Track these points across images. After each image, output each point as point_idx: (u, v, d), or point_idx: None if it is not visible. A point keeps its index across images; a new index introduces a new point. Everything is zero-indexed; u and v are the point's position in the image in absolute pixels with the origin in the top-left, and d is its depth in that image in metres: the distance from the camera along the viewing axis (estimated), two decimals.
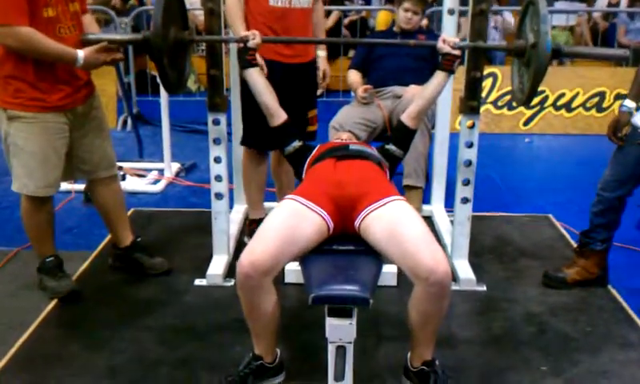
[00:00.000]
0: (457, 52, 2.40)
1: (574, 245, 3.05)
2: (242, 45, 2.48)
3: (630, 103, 2.65)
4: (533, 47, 2.26)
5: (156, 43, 2.22)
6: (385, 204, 2.06)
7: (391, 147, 2.44)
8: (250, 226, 3.27)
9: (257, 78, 2.49)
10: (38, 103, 2.53)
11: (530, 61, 2.27)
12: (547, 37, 2.15)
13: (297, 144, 2.45)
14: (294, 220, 2.04)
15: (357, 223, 2.08)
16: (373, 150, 2.44)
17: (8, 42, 2.39)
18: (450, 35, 3.26)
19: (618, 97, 5.78)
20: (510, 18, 7.30)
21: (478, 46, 2.74)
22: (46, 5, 2.44)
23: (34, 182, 2.62)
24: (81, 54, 2.46)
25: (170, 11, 2.32)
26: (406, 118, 2.45)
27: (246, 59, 2.48)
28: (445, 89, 3.31)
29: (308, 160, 2.40)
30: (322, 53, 3.25)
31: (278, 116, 2.48)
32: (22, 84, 2.49)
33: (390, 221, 2.01)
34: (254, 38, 2.47)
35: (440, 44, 2.42)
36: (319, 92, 3.28)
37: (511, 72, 2.57)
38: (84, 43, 2.52)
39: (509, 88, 5.70)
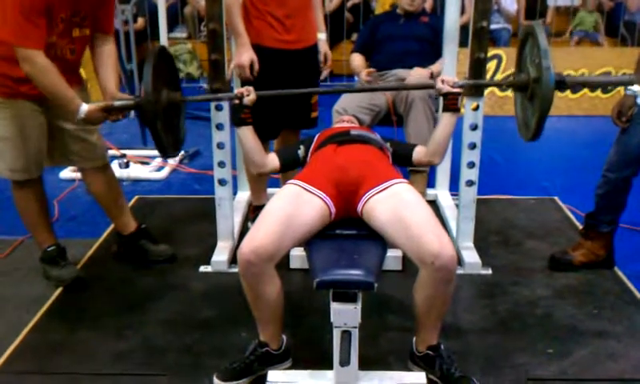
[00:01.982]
0: (457, 90, 2.30)
1: (580, 227, 3.04)
2: (237, 101, 2.35)
3: (635, 86, 2.62)
4: (535, 81, 2.18)
5: (148, 108, 2.15)
6: (388, 187, 2.05)
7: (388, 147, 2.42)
8: (254, 212, 3.26)
9: (249, 136, 2.34)
10: (7, 90, 2.51)
11: (534, 95, 2.20)
12: (550, 72, 2.07)
13: (302, 152, 2.40)
14: (296, 205, 2.03)
15: (359, 207, 2.06)
16: (375, 135, 2.42)
17: (26, 68, 2.36)
18: (454, 17, 3.27)
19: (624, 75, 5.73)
20: (509, 5, 7.26)
21: (477, 83, 2.71)
22: (52, 32, 2.41)
23: (3, 164, 2.63)
24: (84, 108, 2.42)
25: (161, 73, 2.25)
26: (417, 157, 2.38)
27: (241, 118, 2.35)
28: (449, 71, 3.33)
29: (311, 147, 2.39)
30: (322, 36, 3.20)
31: (271, 165, 2.38)
32: None
33: (394, 204, 2.00)
34: (249, 94, 2.34)
35: (439, 84, 2.30)
36: (323, 76, 3.24)
37: (514, 106, 2.51)
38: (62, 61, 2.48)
39: (513, 70, 5.70)
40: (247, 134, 2.34)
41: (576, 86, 2.14)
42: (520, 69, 2.35)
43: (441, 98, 2.39)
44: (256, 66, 2.85)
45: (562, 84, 2.11)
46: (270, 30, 2.89)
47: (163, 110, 2.19)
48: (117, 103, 2.41)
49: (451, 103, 2.30)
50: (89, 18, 2.55)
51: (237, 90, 2.38)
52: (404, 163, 2.45)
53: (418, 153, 2.38)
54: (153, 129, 2.19)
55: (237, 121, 2.36)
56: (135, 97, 2.40)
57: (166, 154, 2.36)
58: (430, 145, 2.36)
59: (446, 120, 2.33)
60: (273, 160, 2.39)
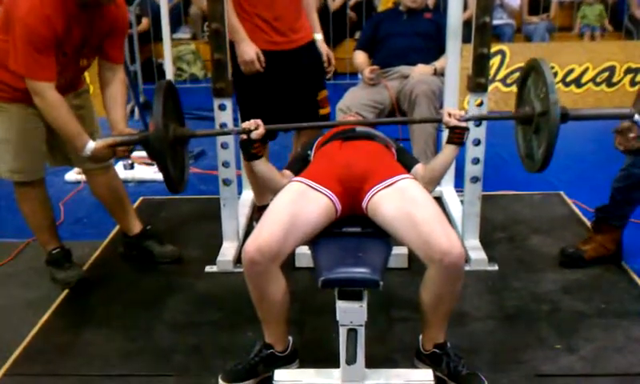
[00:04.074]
0: (464, 124, 2.24)
1: (587, 222, 3.02)
2: (245, 136, 2.21)
3: (638, 117, 2.52)
4: (541, 115, 2.18)
5: (157, 143, 2.11)
6: (393, 183, 2.04)
7: None
8: (259, 212, 3.26)
9: (263, 168, 2.24)
10: (6, 95, 2.52)
11: (540, 128, 2.21)
12: (557, 107, 2.07)
13: (311, 154, 2.37)
14: (300, 202, 2.01)
15: (364, 203, 2.05)
16: (379, 132, 2.41)
17: (36, 100, 2.38)
18: (456, 13, 3.26)
19: (629, 71, 5.70)
20: (512, 0, 7.24)
21: (483, 117, 2.70)
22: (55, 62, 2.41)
23: (5, 166, 2.64)
24: (91, 145, 2.42)
25: (168, 108, 2.23)
26: (414, 172, 2.28)
27: (251, 153, 2.21)
28: (452, 67, 3.32)
29: (315, 144, 2.38)
30: (318, 36, 3.11)
31: (285, 184, 2.24)
32: None
33: (400, 200, 1.99)
34: (257, 128, 2.19)
35: (446, 118, 2.23)
36: (328, 76, 3.21)
37: (515, 137, 2.49)
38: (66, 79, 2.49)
39: (517, 65, 5.70)
40: (261, 167, 2.24)
41: (578, 118, 2.20)
42: (521, 102, 2.35)
43: (443, 84, 2.35)
44: (262, 57, 2.80)
45: (565, 117, 2.13)
46: (258, 32, 2.85)
47: (170, 145, 2.18)
48: (124, 138, 2.40)
49: (457, 137, 2.23)
50: (95, 49, 2.56)
51: (244, 124, 2.24)
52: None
53: (416, 172, 2.28)
54: (161, 164, 2.17)
55: (247, 156, 2.24)
56: (141, 131, 2.39)
57: (174, 189, 2.27)
58: (427, 171, 2.27)
59: (448, 151, 2.25)
60: (287, 174, 2.30)
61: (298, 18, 2.95)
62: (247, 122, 2.23)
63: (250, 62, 2.80)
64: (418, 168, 2.29)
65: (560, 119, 2.08)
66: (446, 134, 3.51)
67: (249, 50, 2.79)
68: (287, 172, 2.32)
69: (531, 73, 2.27)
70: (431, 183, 2.27)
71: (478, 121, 2.77)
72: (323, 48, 3.13)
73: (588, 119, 2.32)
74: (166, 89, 2.21)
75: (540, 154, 2.20)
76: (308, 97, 2.99)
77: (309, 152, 2.39)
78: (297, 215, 1.98)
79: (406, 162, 2.32)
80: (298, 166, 2.34)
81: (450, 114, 2.23)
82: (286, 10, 2.87)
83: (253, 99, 2.56)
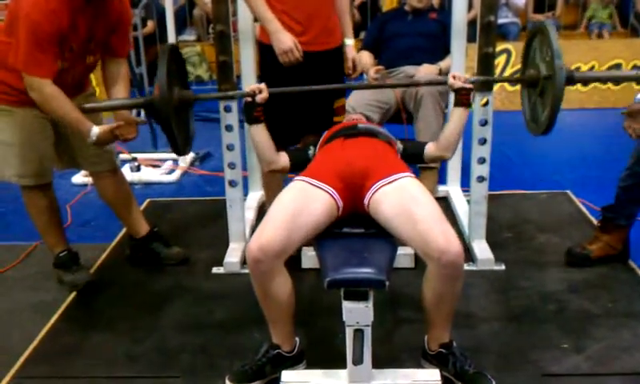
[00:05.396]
0: (469, 85, 2.31)
1: (594, 220, 3.01)
2: (249, 99, 2.33)
3: None
4: (547, 79, 2.19)
5: (162, 107, 2.15)
6: (395, 180, 2.04)
7: (398, 145, 2.40)
8: None
9: (262, 134, 2.35)
10: (13, 98, 2.53)
11: (545, 92, 2.21)
12: (563, 71, 2.09)
13: (312, 152, 2.40)
14: (302, 200, 2.02)
15: (366, 200, 2.05)
16: (382, 129, 2.42)
17: (33, 95, 2.39)
18: (461, 13, 3.26)
19: (635, 68, 5.67)
20: None
21: (489, 79, 2.70)
22: (59, 59, 2.41)
23: (11, 169, 2.64)
24: (95, 130, 2.43)
25: (173, 72, 2.25)
26: (428, 153, 2.39)
27: (254, 116, 2.34)
28: (457, 67, 3.32)
29: (319, 142, 2.39)
30: (348, 41, 3.00)
31: (281, 162, 2.40)
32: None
33: (400, 198, 1.99)
34: (261, 92, 2.32)
35: (451, 80, 2.33)
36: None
37: (521, 101, 2.51)
38: (72, 84, 2.49)
39: None
40: (260, 131, 2.35)
41: (584, 80, 2.20)
42: (527, 65, 2.35)
43: (452, 95, 2.39)
44: (299, 46, 2.69)
45: (571, 80, 2.15)
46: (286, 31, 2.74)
47: (175, 109, 2.21)
48: (130, 101, 2.41)
49: (464, 98, 2.32)
50: (103, 44, 2.57)
51: (248, 88, 2.37)
52: (416, 160, 2.45)
53: (429, 148, 2.39)
54: (166, 127, 2.20)
55: (249, 119, 2.36)
56: (147, 96, 2.41)
57: (179, 152, 2.37)
58: (442, 139, 2.36)
59: (457, 115, 2.35)
60: (283, 157, 2.40)
61: (328, 20, 2.83)
62: (251, 86, 2.36)
63: (289, 51, 2.67)
64: (430, 145, 2.38)
65: (565, 82, 2.09)
66: None
67: (286, 39, 2.67)
68: (283, 153, 2.40)
69: (537, 35, 2.28)
70: (448, 150, 2.37)
71: (487, 99, 2.78)
72: (350, 53, 3.01)
73: (594, 81, 2.37)
74: (170, 53, 2.23)
75: (544, 116, 2.21)
76: (325, 102, 2.90)
77: (310, 148, 2.41)
78: (299, 213, 1.98)
79: (417, 148, 2.40)
80: (296, 159, 2.41)
81: (454, 77, 2.32)
82: (316, 11, 2.76)
83: (270, 101, 2.50)
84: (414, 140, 2.45)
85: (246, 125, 3.35)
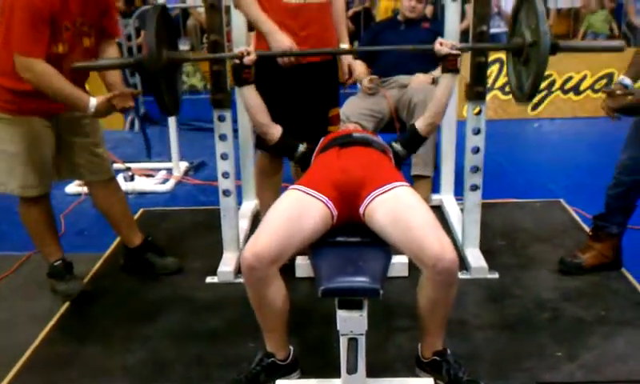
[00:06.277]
0: (456, 51, 2.38)
1: (587, 229, 3.03)
2: (237, 61, 2.41)
3: (628, 81, 2.58)
4: (531, 45, 2.24)
5: (151, 66, 2.16)
6: (390, 189, 2.04)
7: (397, 146, 2.42)
8: None
9: (252, 95, 2.45)
10: (15, 107, 2.53)
11: (529, 59, 2.26)
12: (547, 36, 2.14)
13: (302, 149, 2.44)
14: (297, 208, 2.02)
15: (362, 209, 2.05)
16: (377, 138, 2.43)
17: (26, 76, 2.39)
18: (454, 22, 3.28)
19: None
20: (510, 8, 7.25)
21: (475, 46, 2.74)
22: (57, 41, 2.43)
23: (15, 181, 2.63)
24: (93, 101, 2.46)
25: (161, 31, 2.27)
26: (420, 125, 2.42)
27: (242, 77, 2.43)
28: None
29: (314, 152, 2.40)
30: (344, 46, 3.00)
31: (273, 132, 2.46)
32: (1, 89, 2.51)
33: (395, 206, 2.00)
34: (249, 54, 2.40)
35: (437, 47, 2.40)
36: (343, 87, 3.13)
37: (507, 71, 2.56)
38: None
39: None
40: (250, 92, 2.44)
41: (569, 49, 2.30)
42: (514, 33, 2.40)
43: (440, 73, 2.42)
44: (295, 46, 2.66)
45: (556, 47, 2.22)
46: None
47: (164, 69, 2.23)
48: (119, 61, 2.49)
49: (451, 64, 2.41)
50: (96, 26, 2.59)
51: (237, 50, 2.45)
52: (418, 143, 2.46)
53: (419, 123, 2.44)
54: (155, 86, 2.24)
55: (238, 80, 2.44)
56: (136, 56, 2.45)
57: (167, 112, 2.43)
58: (431, 106, 2.44)
59: (445, 81, 2.43)
60: (277, 128, 2.47)
61: (325, 31, 2.81)
62: (240, 48, 2.45)
63: (287, 51, 2.64)
64: (419, 120, 2.45)
65: (550, 50, 2.14)
66: (445, 141, 3.53)
67: (284, 40, 2.64)
68: (278, 125, 2.47)
69: (523, 3, 2.33)
70: (438, 114, 2.45)
71: (480, 108, 2.82)
72: (346, 59, 3.03)
73: (578, 51, 2.45)
74: (159, 14, 2.25)
75: (528, 84, 2.26)
76: (320, 112, 2.91)
77: (300, 145, 2.45)
78: (293, 221, 1.99)
79: (410, 135, 2.45)
80: (287, 139, 2.47)
81: (441, 43, 2.39)
82: (312, 21, 2.74)
83: (270, 106, 2.49)
84: (403, 132, 2.51)
85: (240, 135, 3.38)
